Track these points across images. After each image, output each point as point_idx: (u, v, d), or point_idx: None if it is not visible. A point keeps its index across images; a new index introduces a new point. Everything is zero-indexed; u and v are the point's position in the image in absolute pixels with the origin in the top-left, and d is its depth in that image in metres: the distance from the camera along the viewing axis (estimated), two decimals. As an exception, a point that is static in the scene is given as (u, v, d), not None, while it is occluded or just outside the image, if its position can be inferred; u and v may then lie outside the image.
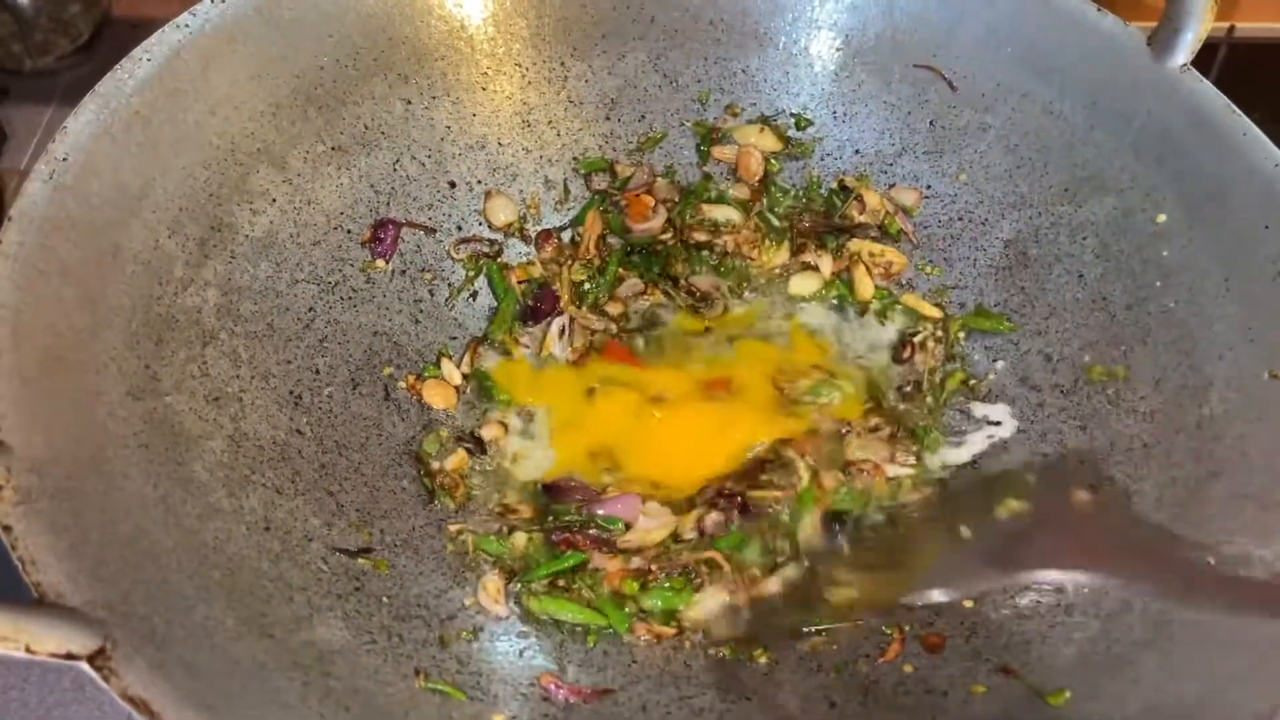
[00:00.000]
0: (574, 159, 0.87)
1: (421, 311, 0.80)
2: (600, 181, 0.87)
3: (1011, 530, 0.66)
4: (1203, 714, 0.54)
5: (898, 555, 0.69)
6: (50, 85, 1.06)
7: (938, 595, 0.66)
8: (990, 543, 0.66)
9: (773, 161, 0.87)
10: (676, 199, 0.87)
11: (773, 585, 0.69)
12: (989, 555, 0.64)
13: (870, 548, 0.71)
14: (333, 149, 0.78)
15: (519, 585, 0.68)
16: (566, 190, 0.86)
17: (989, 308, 0.81)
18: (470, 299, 0.82)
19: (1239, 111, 0.72)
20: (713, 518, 0.71)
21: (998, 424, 0.76)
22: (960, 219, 0.83)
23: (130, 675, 0.48)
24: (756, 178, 0.87)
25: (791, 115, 0.87)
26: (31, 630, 0.47)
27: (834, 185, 0.87)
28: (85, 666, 0.47)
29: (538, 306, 0.83)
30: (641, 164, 0.87)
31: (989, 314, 0.81)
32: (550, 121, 0.86)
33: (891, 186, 0.86)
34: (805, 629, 0.67)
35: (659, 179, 0.87)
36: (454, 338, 0.81)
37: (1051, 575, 0.61)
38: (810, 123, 0.87)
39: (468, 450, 0.75)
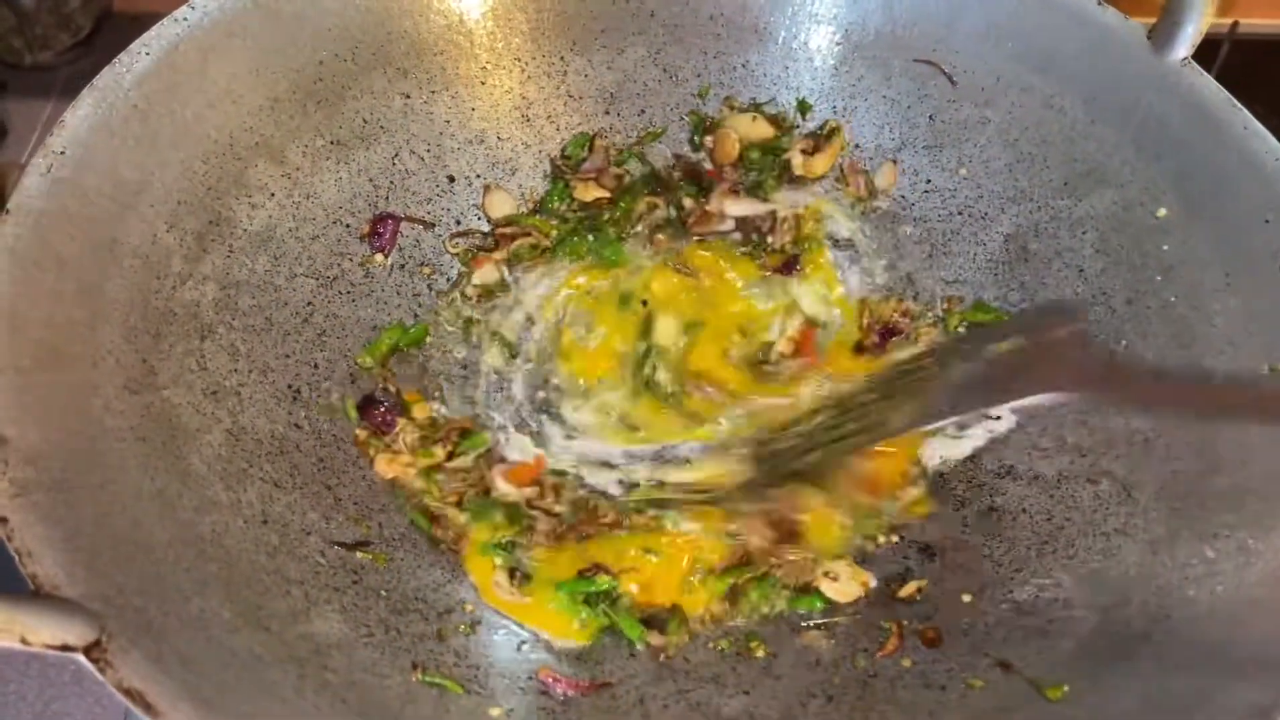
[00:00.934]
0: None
1: (420, 306, 0.80)
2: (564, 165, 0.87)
3: (1005, 361, 0.68)
4: (1200, 708, 0.54)
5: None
6: (50, 80, 1.06)
7: (937, 421, 0.69)
8: (985, 372, 0.68)
9: (752, 152, 0.87)
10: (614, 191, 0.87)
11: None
12: (984, 383, 0.67)
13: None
14: (332, 143, 0.78)
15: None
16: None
17: (988, 302, 0.81)
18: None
19: (1239, 105, 0.72)
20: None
21: (997, 419, 0.76)
22: (960, 213, 0.83)
23: (126, 667, 0.48)
24: (731, 160, 0.87)
25: (795, 100, 0.87)
26: (27, 621, 0.46)
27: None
28: (81, 658, 0.47)
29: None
30: (603, 149, 0.87)
31: (987, 308, 0.81)
32: (549, 116, 0.86)
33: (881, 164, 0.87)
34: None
35: (613, 168, 0.87)
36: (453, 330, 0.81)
37: (1043, 399, 0.63)
38: (810, 107, 0.87)
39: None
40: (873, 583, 0.69)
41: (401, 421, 0.73)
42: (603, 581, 0.68)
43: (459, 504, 0.71)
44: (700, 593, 0.70)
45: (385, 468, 0.70)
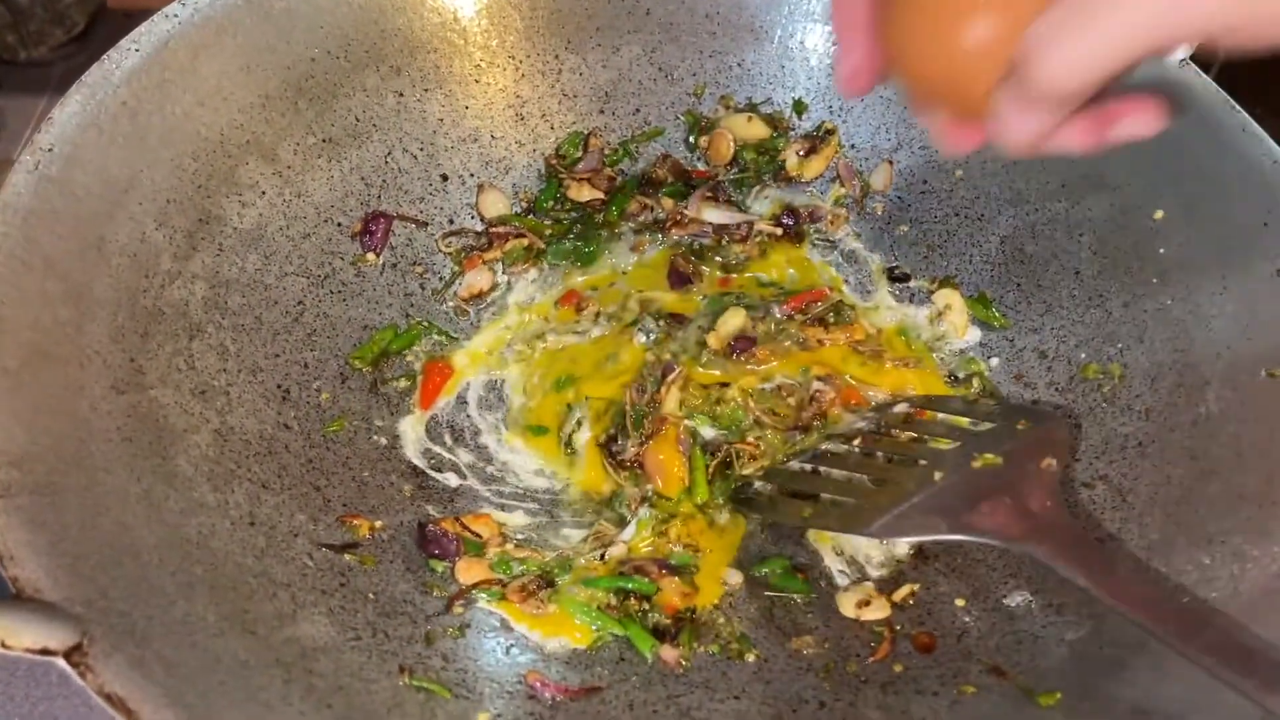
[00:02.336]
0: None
1: (412, 305, 0.80)
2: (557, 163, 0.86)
3: (975, 488, 0.65)
4: (1193, 715, 0.54)
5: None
6: (45, 76, 1.05)
7: (895, 537, 0.68)
8: (953, 498, 0.65)
9: (747, 152, 0.86)
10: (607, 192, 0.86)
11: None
12: (948, 509, 0.64)
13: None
14: (323, 141, 0.77)
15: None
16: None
17: (989, 297, 0.81)
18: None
19: (1238, 108, 0.71)
20: None
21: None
22: (957, 214, 0.83)
23: (108, 672, 0.47)
24: (725, 161, 0.86)
25: (791, 100, 0.86)
26: (8, 625, 0.46)
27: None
28: (61, 662, 0.47)
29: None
30: (598, 150, 0.86)
31: (987, 301, 0.80)
32: (544, 115, 0.85)
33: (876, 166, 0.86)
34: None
35: (607, 169, 0.86)
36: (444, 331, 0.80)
37: (995, 543, 0.62)
38: (806, 107, 0.86)
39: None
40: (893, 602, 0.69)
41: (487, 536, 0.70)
42: (641, 583, 0.68)
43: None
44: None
45: (467, 575, 0.68)
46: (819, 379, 0.77)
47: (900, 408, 0.75)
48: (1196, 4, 0.40)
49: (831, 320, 0.80)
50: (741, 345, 0.78)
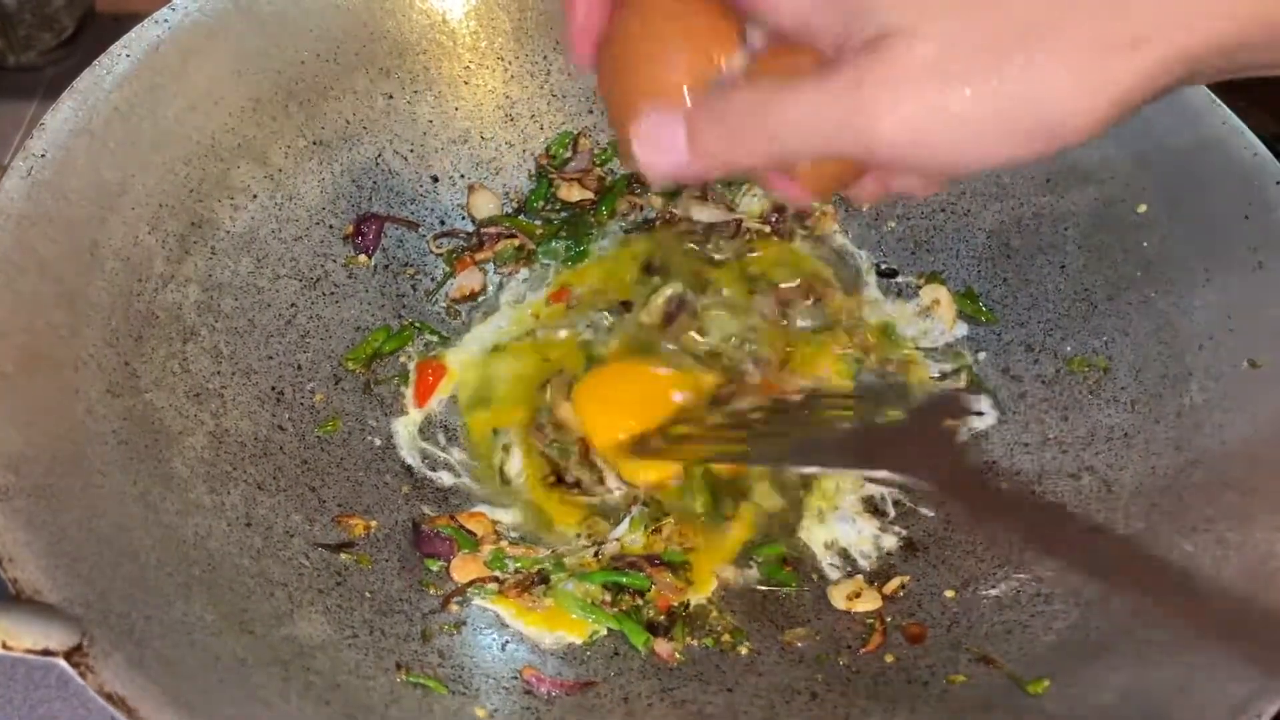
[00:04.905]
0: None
1: (405, 307, 0.80)
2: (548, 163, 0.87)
3: (882, 433, 0.70)
4: (1181, 701, 0.54)
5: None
6: (34, 80, 1.05)
7: (809, 468, 0.72)
8: (861, 438, 0.70)
9: None
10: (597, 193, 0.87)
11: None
12: (855, 447, 0.69)
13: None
14: (314, 144, 0.78)
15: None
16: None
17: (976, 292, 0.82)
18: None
19: (1219, 101, 0.72)
20: None
21: (979, 414, 0.76)
22: (942, 210, 0.83)
23: (108, 672, 0.48)
24: None
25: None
26: (8, 626, 0.47)
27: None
28: (62, 663, 0.47)
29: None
30: (588, 150, 0.87)
31: (974, 295, 0.81)
32: (533, 115, 0.86)
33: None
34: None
35: (597, 169, 0.87)
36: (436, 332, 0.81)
37: (893, 476, 0.65)
38: None
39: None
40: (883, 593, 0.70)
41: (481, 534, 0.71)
42: (635, 578, 0.68)
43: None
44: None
45: (461, 573, 0.69)
46: (753, 359, 0.78)
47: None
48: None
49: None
50: (676, 310, 0.79)
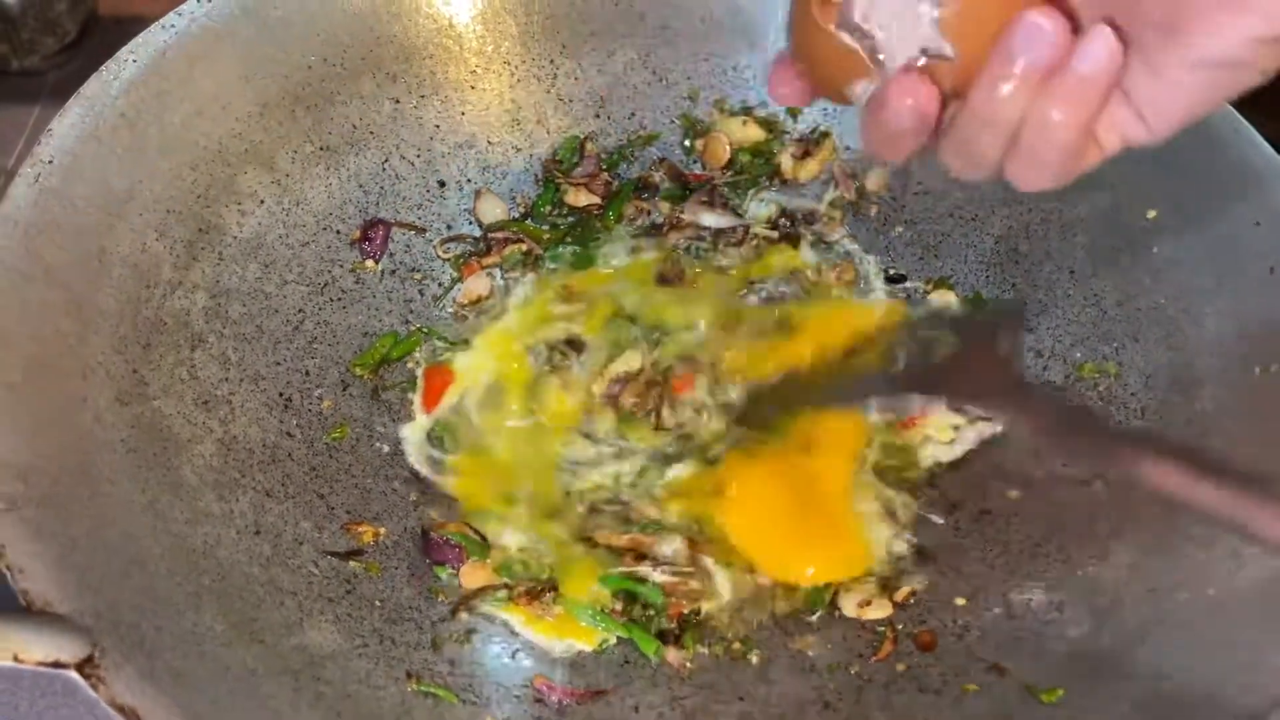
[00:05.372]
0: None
1: (412, 312, 0.80)
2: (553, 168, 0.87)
3: (939, 366, 0.73)
4: (1194, 712, 0.54)
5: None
6: (37, 84, 1.05)
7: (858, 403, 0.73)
8: (917, 371, 0.73)
9: (743, 155, 0.87)
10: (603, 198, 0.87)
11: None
12: (913, 381, 0.72)
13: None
14: (321, 149, 0.77)
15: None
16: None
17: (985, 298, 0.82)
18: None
19: (1230, 107, 0.72)
20: None
21: (989, 420, 0.76)
22: (951, 215, 0.83)
23: (119, 683, 0.48)
24: (721, 164, 0.87)
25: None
26: (19, 639, 0.46)
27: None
28: (74, 675, 0.47)
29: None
30: (594, 155, 0.87)
31: (983, 301, 0.81)
32: (540, 119, 0.86)
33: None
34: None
35: (604, 173, 0.87)
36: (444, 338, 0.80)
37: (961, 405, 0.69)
38: (801, 110, 0.87)
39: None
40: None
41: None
42: (649, 590, 0.68)
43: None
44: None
45: (471, 580, 0.68)
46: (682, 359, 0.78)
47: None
48: None
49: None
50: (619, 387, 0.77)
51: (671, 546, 0.69)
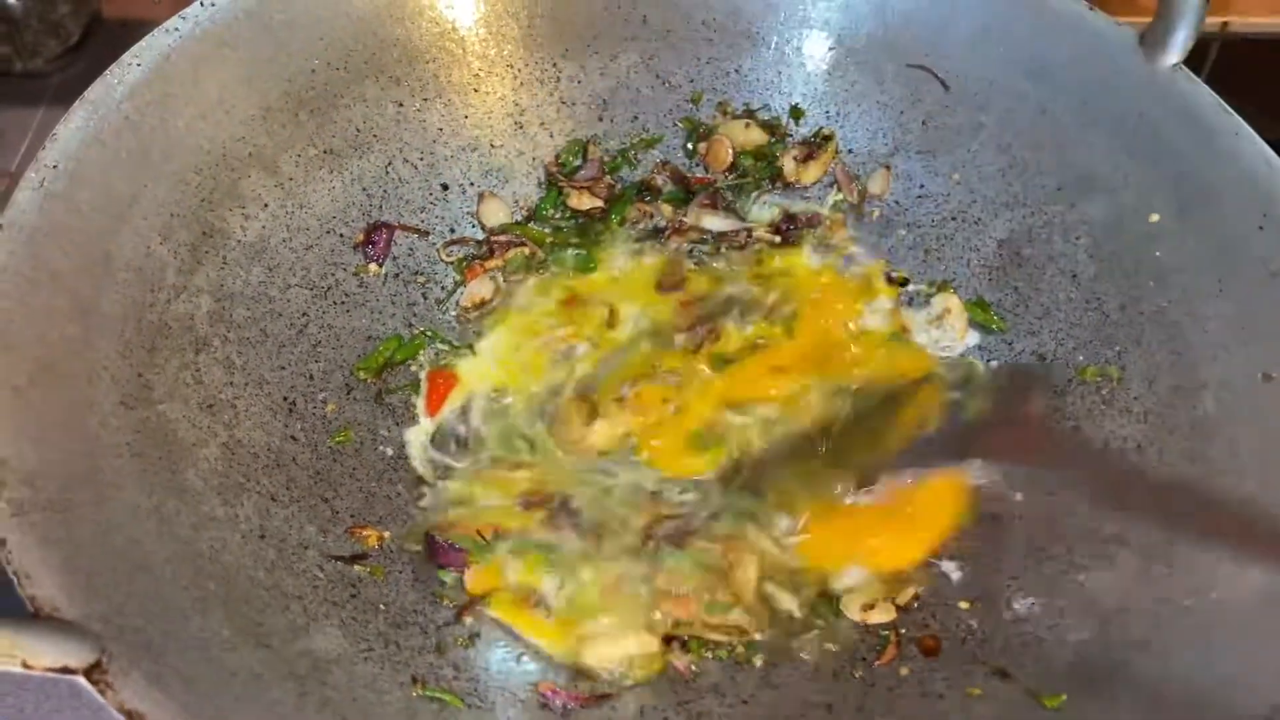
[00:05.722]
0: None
1: (415, 315, 0.80)
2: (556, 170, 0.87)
3: (970, 425, 0.73)
4: (1198, 716, 0.54)
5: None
6: (40, 87, 1.05)
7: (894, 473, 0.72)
8: (949, 433, 0.73)
9: (745, 158, 0.87)
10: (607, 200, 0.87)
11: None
12: (946, 444, 0.71)
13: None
14: (324, 152, 0.77)
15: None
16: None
17: (987, 301, 0.82)
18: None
19: (1231, 111, 0.72)
20: None
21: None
22: (954, 218, 0.83)
23: (126, 688, 0.48)
24: (723, 167, 0.87)
25: (788, 106, 0.87)
26: (28, 645, 0.46)
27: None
28: (82, 680, 0.47)
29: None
30: (597, 158, 0.87)
31: (985, 304, 0.81)
32: (543, 123, 0.86)
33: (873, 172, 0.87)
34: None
35: (606, 177, 0.87)
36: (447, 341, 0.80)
37: (996, 464, 0.67)
38: (804, 113, 0.87)
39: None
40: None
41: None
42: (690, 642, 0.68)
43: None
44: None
45: (475, 585, 0.68)
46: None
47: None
48: None
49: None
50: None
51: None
